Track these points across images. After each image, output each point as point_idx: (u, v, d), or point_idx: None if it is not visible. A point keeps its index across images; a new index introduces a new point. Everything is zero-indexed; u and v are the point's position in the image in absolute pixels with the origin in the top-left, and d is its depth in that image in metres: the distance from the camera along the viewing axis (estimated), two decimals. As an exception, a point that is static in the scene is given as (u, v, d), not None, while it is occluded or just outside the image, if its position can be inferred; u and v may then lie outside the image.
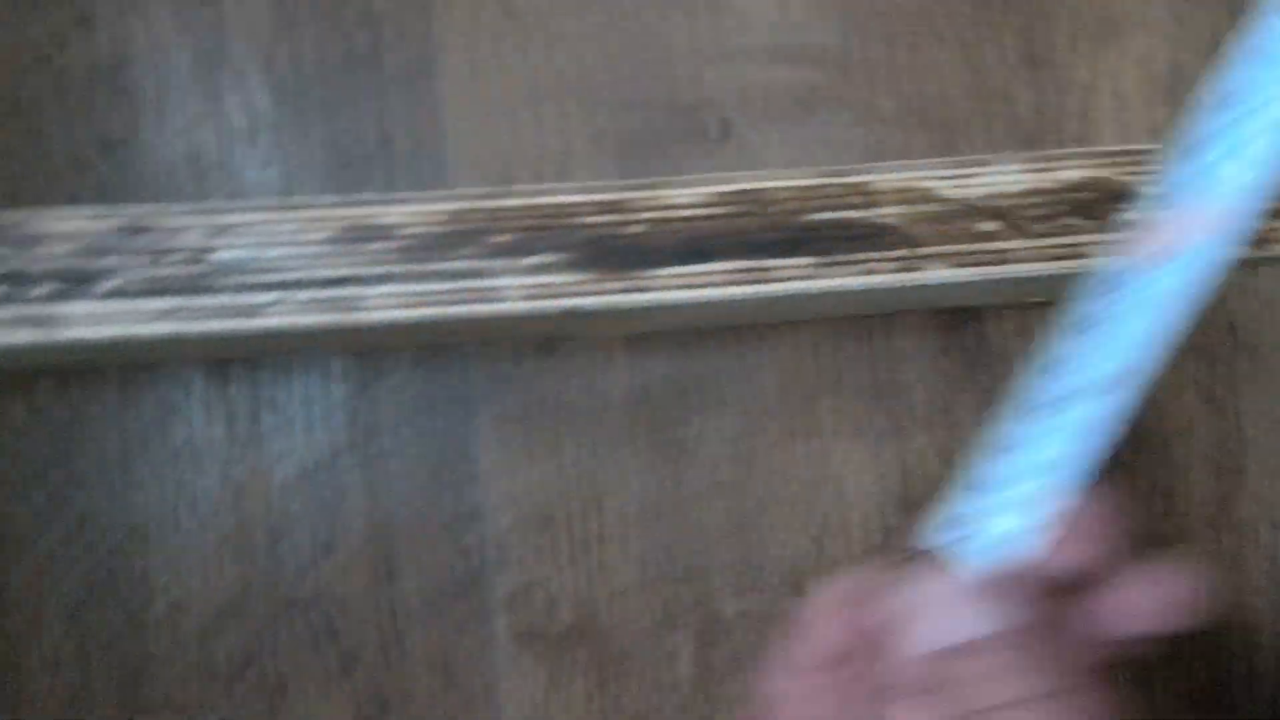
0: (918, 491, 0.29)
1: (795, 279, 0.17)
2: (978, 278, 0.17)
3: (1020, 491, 0.14)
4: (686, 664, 0.28)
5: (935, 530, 0.15)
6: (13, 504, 0.28)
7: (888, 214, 0.17)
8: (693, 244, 0.17)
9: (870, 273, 0.17)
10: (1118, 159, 0.18)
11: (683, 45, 0.28)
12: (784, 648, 0.16)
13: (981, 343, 0.29)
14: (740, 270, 0.17)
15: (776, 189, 0.17)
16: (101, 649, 0.27)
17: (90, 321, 0.16)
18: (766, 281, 0.17)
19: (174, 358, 0.27)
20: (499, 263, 0.17)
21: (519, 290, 0.17)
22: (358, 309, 0.16)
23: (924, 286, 0.17)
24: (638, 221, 0.17)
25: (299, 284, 0.16)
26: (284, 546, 0.28)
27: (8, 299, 0.16)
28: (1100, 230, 0.18)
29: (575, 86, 0.28)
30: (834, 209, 0.17)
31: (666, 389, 0.28)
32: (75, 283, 0.16)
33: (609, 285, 0.17)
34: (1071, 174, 0.18)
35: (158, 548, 0.28)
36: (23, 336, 0.16)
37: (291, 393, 0.28)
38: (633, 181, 0.17)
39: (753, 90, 0.28)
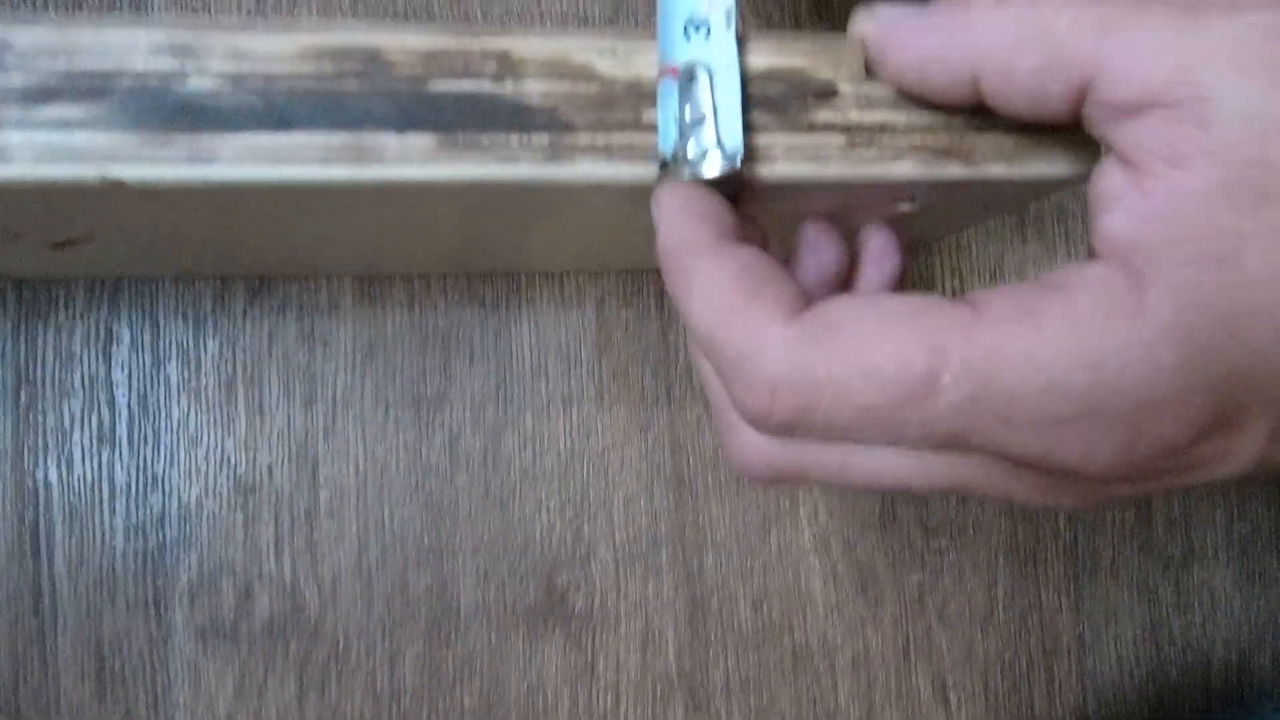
0: (691, 469, 0.25)
1: (411, 161, 0.13)
2: (641, 178, 0.14)
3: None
4: (411, 669, 0.24)
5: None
6: None
7: (533, 90, 0.14)
8: (273, 108, 0.13)
9: (510, 160, 0.14)
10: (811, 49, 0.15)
11: None
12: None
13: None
14: (337, 147, 0.13)
15: (390, 47, 0.13)
16: None
17: None
18: (371, 162, 0.13)
19: None
20: (7, 112, 0.12)
21: (30, 150, 0.13)
22: None
23: (584, 186, 0.14)
24: (205, 74, 0.13)
25: None
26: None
27: None
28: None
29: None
30: (464, 76, 0.13)
31: (401, 342, 0.24)
32: None
33: (159, 152, 0.13)
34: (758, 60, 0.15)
35: None
36: None
37: (-77, 324, 0.23)
38: (198, 19, 0.13)
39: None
